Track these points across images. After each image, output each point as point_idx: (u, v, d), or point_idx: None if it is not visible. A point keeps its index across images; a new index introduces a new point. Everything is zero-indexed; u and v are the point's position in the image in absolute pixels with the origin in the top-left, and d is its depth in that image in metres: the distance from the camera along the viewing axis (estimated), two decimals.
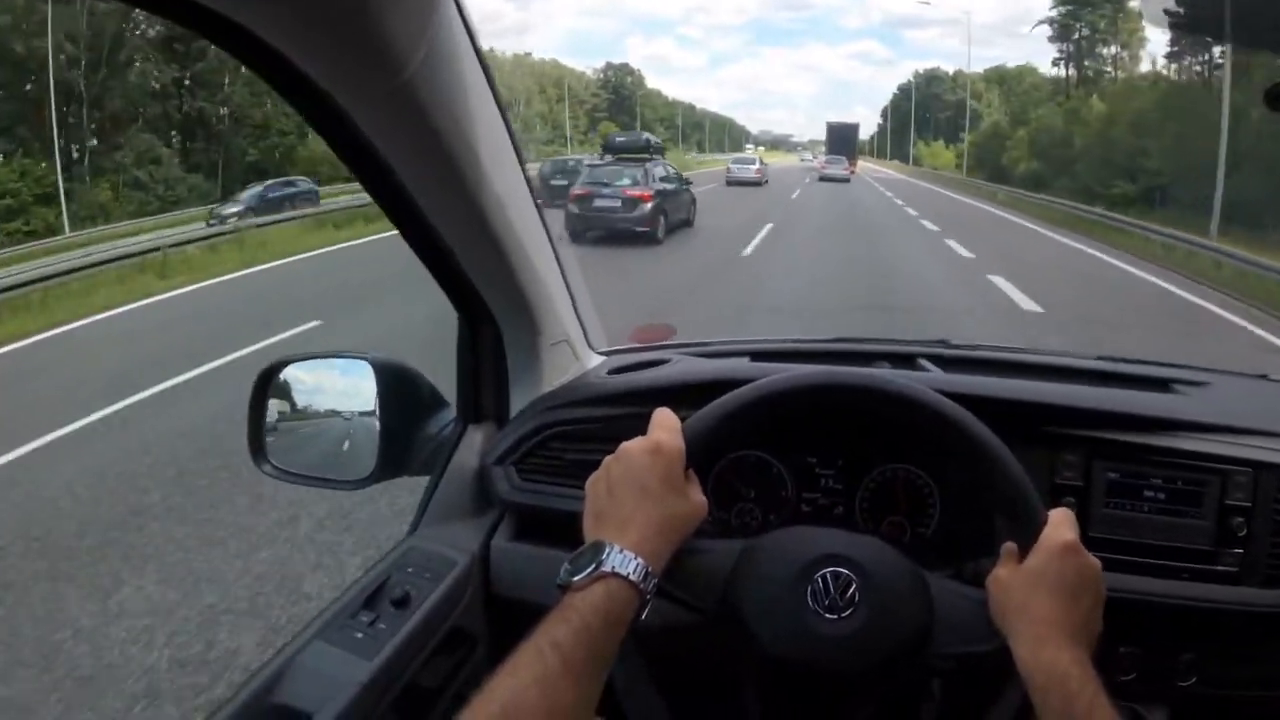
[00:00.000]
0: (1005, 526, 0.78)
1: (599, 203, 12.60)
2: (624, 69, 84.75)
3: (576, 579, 0.66)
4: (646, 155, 14.26)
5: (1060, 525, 0.74)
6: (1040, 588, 0.70)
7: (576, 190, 13.04)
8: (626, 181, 12.78)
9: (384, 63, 0.67)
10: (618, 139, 16.41)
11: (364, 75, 0.69)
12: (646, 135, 17.19)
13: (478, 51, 0.81)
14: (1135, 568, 0.91)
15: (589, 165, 14.45)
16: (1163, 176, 25.52)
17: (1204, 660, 0.91)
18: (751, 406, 0.80)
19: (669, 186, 13.65)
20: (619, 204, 12.48)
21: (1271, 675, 0.93)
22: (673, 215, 13.55)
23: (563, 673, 0.61)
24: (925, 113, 72.45)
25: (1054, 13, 44.17)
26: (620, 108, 78.32)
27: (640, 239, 12.34)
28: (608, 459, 0.75)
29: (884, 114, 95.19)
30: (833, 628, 0.72)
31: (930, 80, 79.93)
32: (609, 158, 14.41)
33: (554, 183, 16.31)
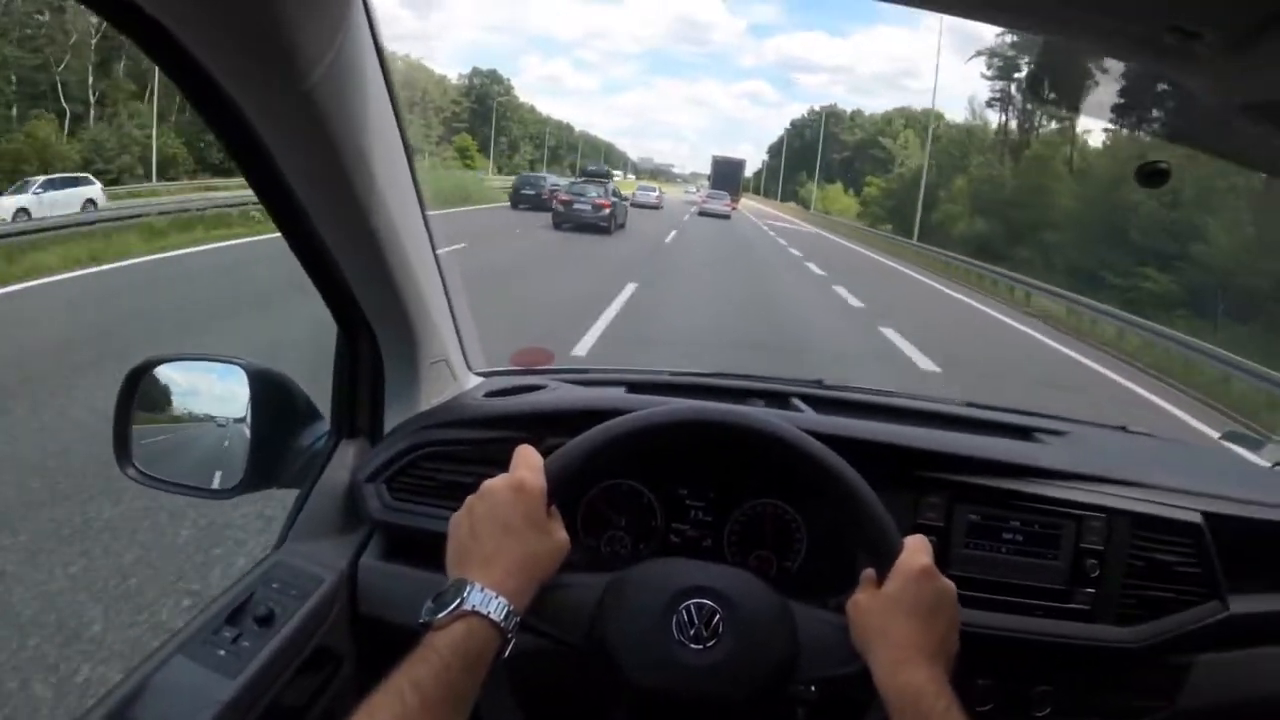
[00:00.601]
0: (866, 561, 0.81)
1: (576, 206, 20.32)
2: (492, 76, 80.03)
3: (438, 618, 0.67)
4: (605, 177, 24.33)
5: (916, 551, 0.77)
6: (898, 611, 0.73)
7: (562, 196, 21.18)
8: (594, 193, 20.67)
9: (290, 67, 0.67)
10: (589, 167, 32.59)
11: (268, 79, 0.68)
12: (605, 167, 33.92)
13: (382, 61, 0.81)
14: (993, 605, 0.96)
15: (571, 181, 25.72)
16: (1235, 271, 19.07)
17: (1058, 693, 0.97)
18: (617, 441, 0.81)
19: (615, 199, 21.53)
20: (589, 208, 20.26)
21: (1122, 707, 0.99)
22: (618, 218, 21.52)
23: (421, 713, 0.61)
24: (813, 154, 71.88)
25: (1001, 40, 38.62)
26: (483, 118, 73.74)
27: (600, 230, 19.88)
28: (470, 498, 0.76)
29: (771, 151, 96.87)
30: (698, 658, 0.73)
31: (827, 118, 79.04)
32: (582, 178, 24.95)
33: (524, 192, 26.09)
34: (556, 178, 27.41)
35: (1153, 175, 0.79)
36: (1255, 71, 0.63)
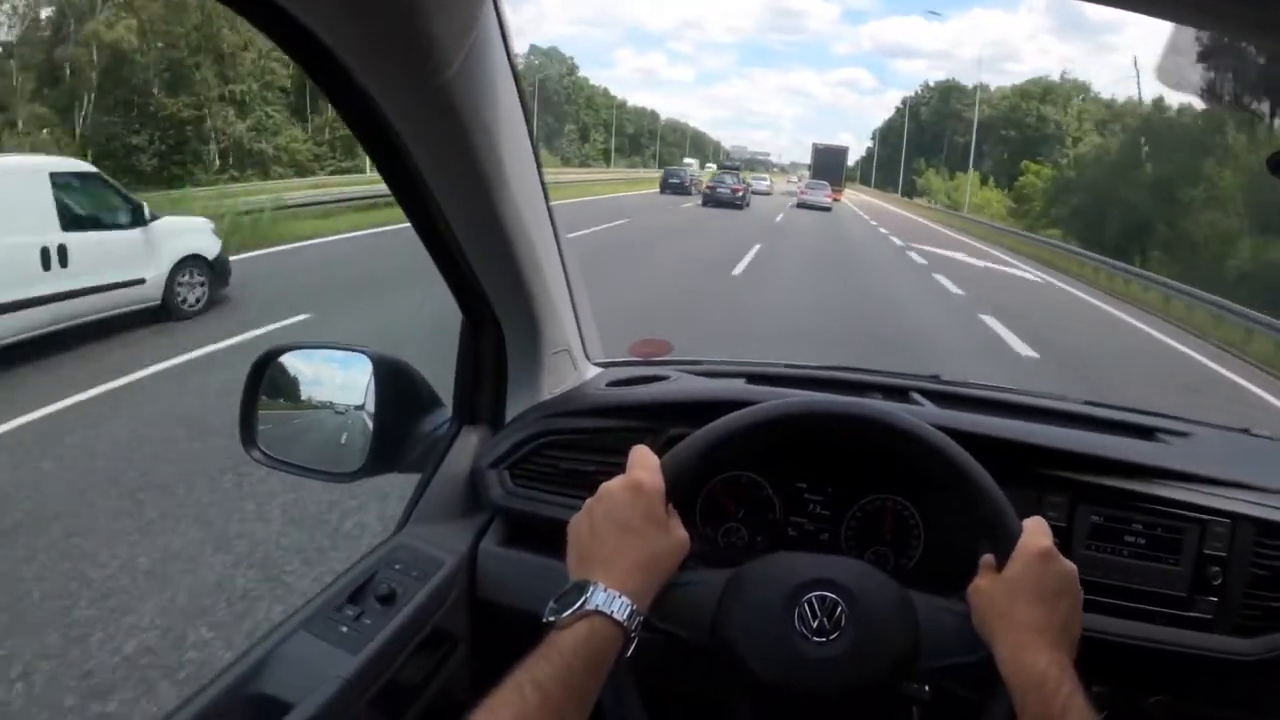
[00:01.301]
0: (986, 548, 0.80)
1: (719, 190, 29.04)
2: (553, 54, 72.34)
3: (560, 617, 0.67)
4: (737, 169, 37.52)
5: (1035, 533, 0.76)
6: (1019, 594, 0.72)
7: (708, 184, 31.13)
8: (731, 181, 30.28)
9: (425, 63, 0.68)
10: (726, 162, 54.90)
11: (403, 74, 0.70)
12: (737, 161, 56.09)
13: (510, 59, 0.83)
14: (1111, 609, 0.93)
15: (713, 173, 35.92)
16: None
17: (1173, 704, 0.93)
18: (735, 436, 0.81)
19: (745, 185, 31.79)
20: (728, 191, 28.89)
21: None
22: (746, 199, 30.26)
23: (543, 711, 0.62)
24: (935, 136, 63.86)
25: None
26: (544, 104, 65.35)
27: (735, 207, 27.95)
28: (589, 500, 0.76)
29: (878, 137, 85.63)
30: (821, 650, 0.73)
31: (945, 93, 67.99)
32: (720, 170, 36.63)
33: (671, 181, 34.97)
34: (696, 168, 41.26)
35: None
36: None
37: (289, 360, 1.13)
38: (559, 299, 1.08)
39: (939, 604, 0.79)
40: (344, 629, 0.90)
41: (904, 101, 77.23)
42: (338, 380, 1.13)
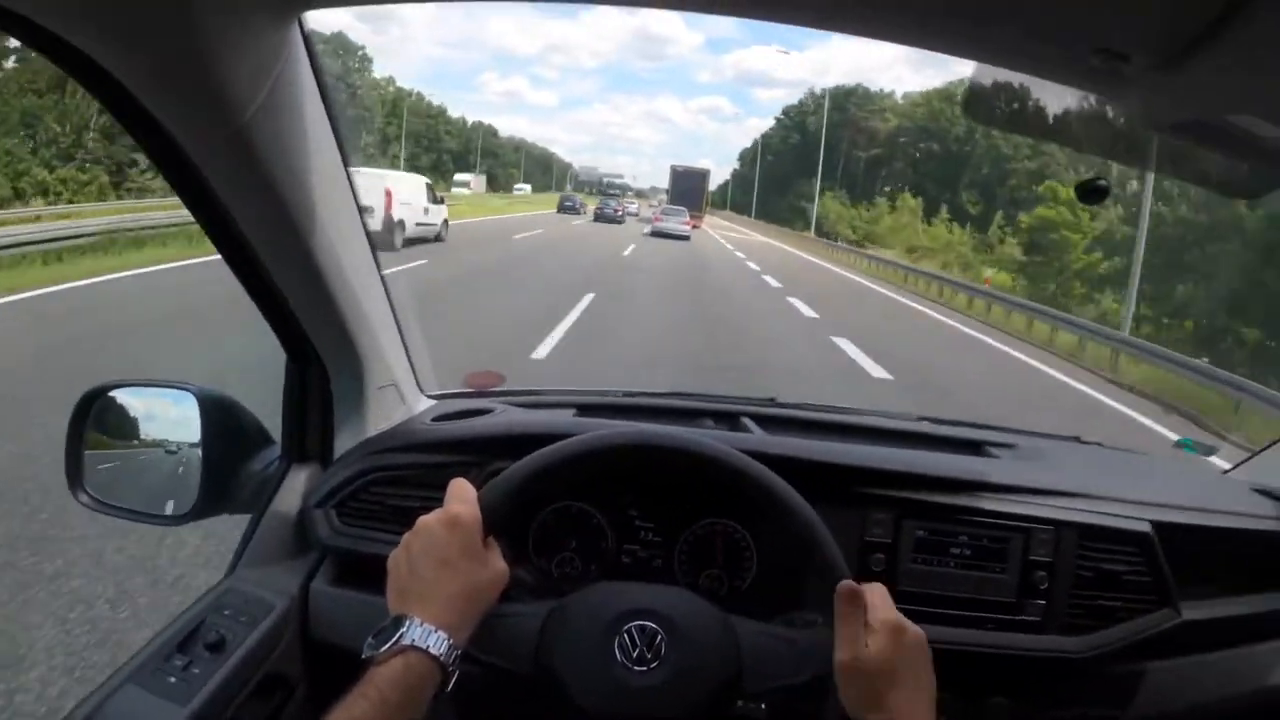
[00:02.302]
0: (813, 574, 0.82)
1: (605, 210, 39.51)
2: (339, 42, 55.00)
3: (378, 653, 0.67)
4: (617, 194, 60.17)
5: (880, 607, 0.76)
6: (887, 680, 0.73)
7: (598, 206, 41.87)
8: (614, 203, 42.42)
9: (220, 105, 0.67)
10: (610, 188, 71.90)
11: (199, 116, 0.69)
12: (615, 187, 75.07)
13: (323, 91, 0.82)
14: (943, 619, 0.96)
15: (601, 198, 51.57)
16: None
17: (1013, 705, 0.98)
18: (550, 469, 0.82)
19: (623, 207, 43.90)
20: (611, 211, 39.42)
21: (1077, 716, 1.00)
22: (623, 217, 39.97)
23: None
24: (830, 152, 52.80)
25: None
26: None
27: (617, 222, 37.67)
28: (406, 535, 0.76)
29: (745, 157, 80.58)
30: (641, 679, 0.74)
31: (840, 99, 58.80)
32: (602, 195, 56.16)
33: (565, 204, 44.77)
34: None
35: (1091, 192, 0.80)
36: (1182, 92, 0.64)
37: (116, 398, 1.08)
38: (382, 333, 1.06)
39: (762, 629, 0.80)
40: (172, 679, 0.86)
41: (784, 112, 72.22)
42: (169, 417, 1.08)
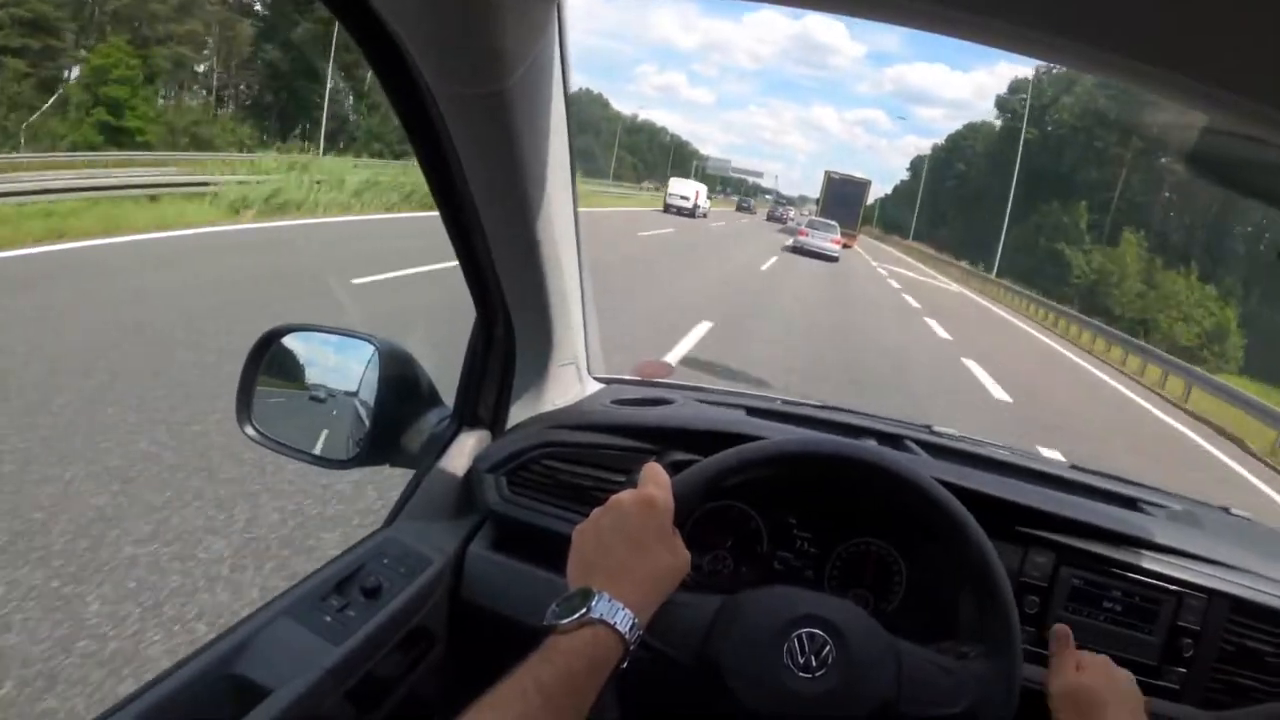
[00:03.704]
0: (969, 601, 0.81)
1: (677, 204, 36.84)
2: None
3: (564, 622, 0.67)
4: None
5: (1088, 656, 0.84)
6: (1104, 709, 0.79)
7: (670, 201, 37.36)
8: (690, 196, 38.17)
9: (489, 69, 0.70)
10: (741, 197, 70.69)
11: (466, 77, 0.72)
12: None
13: (566, 76, 0.84)
14: None
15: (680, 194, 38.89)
16: None
17: None
18: (750, 466, 0.83)
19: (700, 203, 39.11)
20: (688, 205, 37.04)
21: None
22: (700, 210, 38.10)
23: (544, 713, 0.61)
24: (1075, 164, 40.99)
25: None
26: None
27: (690, 216, 35.85)
28: (596, 511, 0.77)
29: (925, 163, 65.23)
30: (806, 686, 0.74)
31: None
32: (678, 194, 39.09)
33: (670, 204, 37.39)
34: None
35: None
36: None
37: (294, 341, 1.13)
38: (574, 313, 1.09)
39: (924, 653, 0.80)
40: (327, 619, 0.89)
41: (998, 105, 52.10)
42: (340, 365, 1.12)
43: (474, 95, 0.74)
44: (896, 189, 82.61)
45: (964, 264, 35.94)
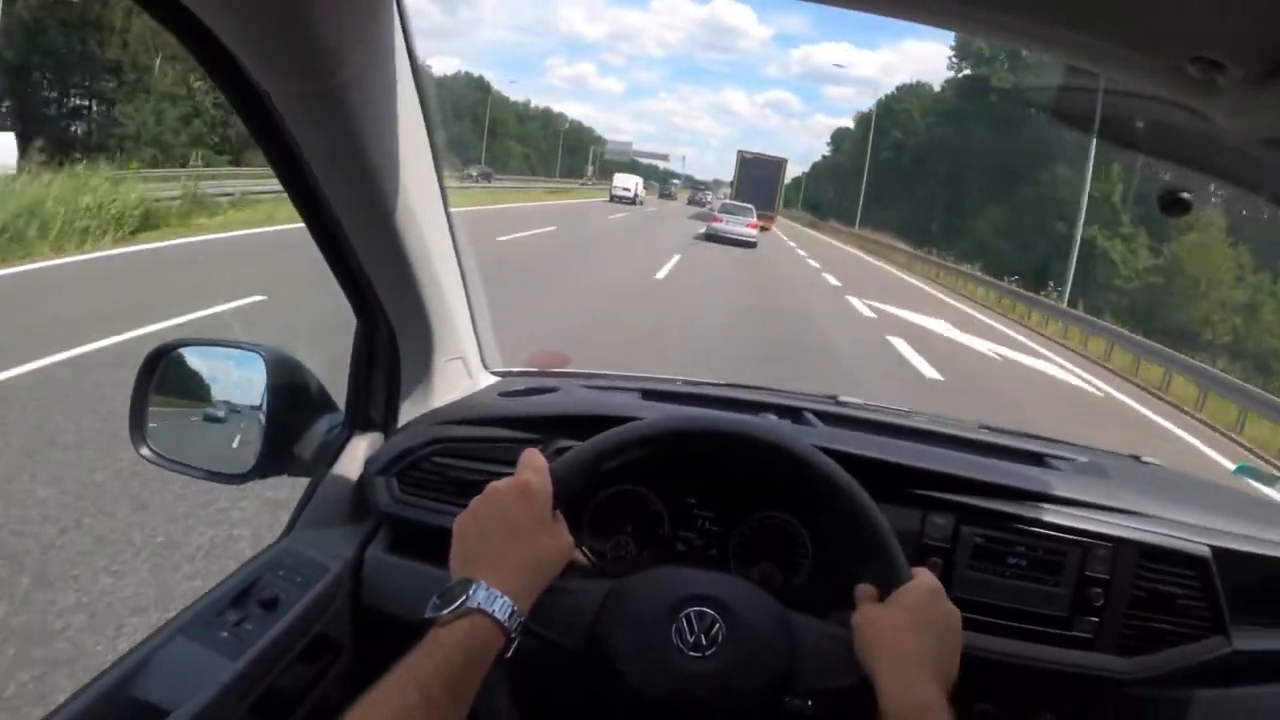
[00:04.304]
0: (868, 576, 0.82)
1: (618, 194, 42.41)
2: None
3: (442, 614, 0.67)
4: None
5: (926, 574, 0.79)
6: (911, 627, 0.74)
7: (614, 191, 43.62)
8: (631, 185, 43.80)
9: (317, 64, 0.68)
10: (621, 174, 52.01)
11: (295, 74, 0.70)
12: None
13: (413, 61, 0.83)
14: (994, 629, 0.96)
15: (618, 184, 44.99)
16: None
17: None
18: (626, 447, 0.83)
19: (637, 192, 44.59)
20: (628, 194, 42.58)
21: None
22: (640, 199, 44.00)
23: (423, 708, 0.62)
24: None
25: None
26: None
27: (631, 204, 40.75)
28: (475, 500, 0.76)
29: (845, 140, 62.41)
30: (696, 666, 0.74)
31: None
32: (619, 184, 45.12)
33: (614, 194, 42.94)
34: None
35: (1174, 204, 0.79)
36: (1276, 105, 0.62)
37: (182, 356, 1.11)
38: (455, 306, 1.07)
39: (818, 625, 0.80)
40: (224, 634, 0.88)
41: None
42: (231, 378, 1.10)
43: (310, 92, 0.72)
44: (816, 166, 76.99)
45: (906, 247, 31.16)
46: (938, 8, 0.65)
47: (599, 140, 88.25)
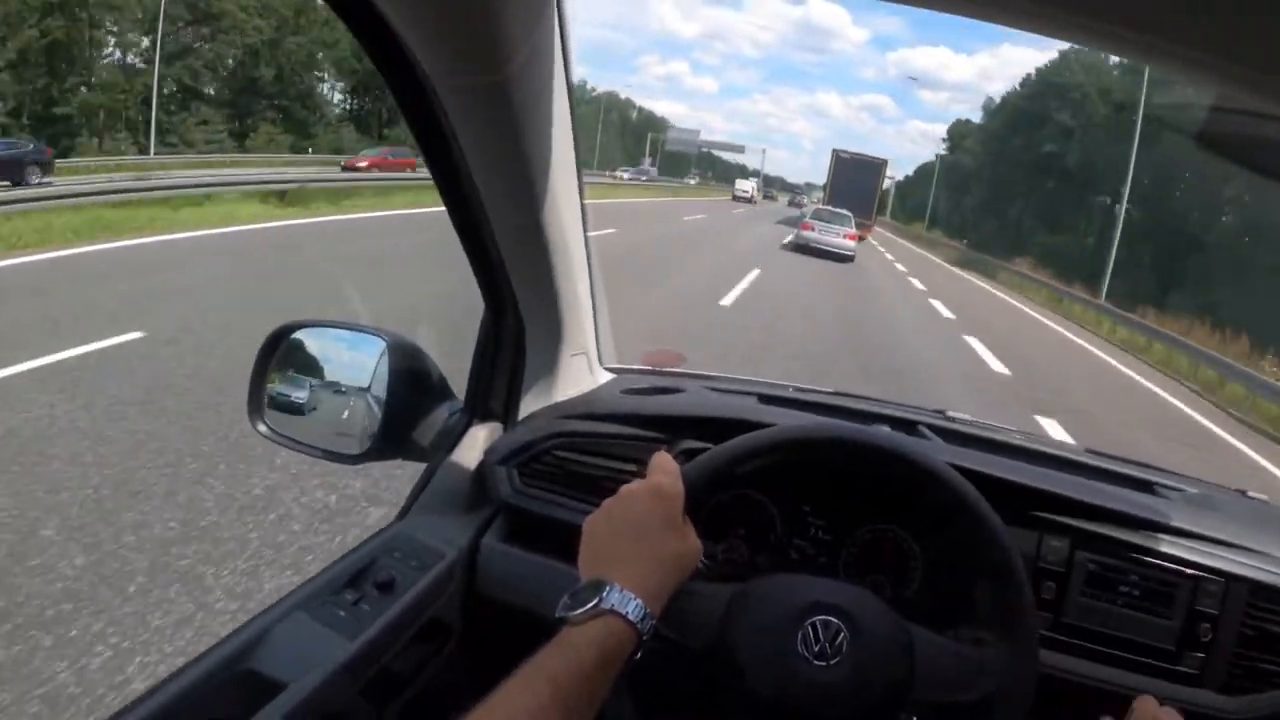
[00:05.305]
0: (986, 591, 0.81)
1: (738, 194, 52.20)
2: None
3: (575, 614, 0.67)
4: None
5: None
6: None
7: (736, 192, 53.18)
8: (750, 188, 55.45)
9: (486, 57, 0.69)
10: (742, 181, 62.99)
11: (464, 66, 0.71)
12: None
13: (567, 63, 0.84)
14: (1102, 657, 0.94)
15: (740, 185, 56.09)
16: None
17: None
18: (761, 453, 0.82)
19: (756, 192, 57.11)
20: (746, 195, 52.61)
21: None
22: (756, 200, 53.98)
23: (554, 707, 0.61)
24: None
25: None
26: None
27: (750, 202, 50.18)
28: (607, 501, 0.76)
29: (956, 135, 50.52)
30: (819, 674, 0.73)
31: None
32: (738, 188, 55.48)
33: (737, 195, 52.12)
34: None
35: None
36: None
37: (303, 337, 1.13)
38: (583, 302, 1.08)
39: (937, 640, 0.79)
40: (341, 613, 0.90)
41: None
42: (349, 361, 1.12)
43: (474, 84, 0.73)
44: (921, 169, 64.89)
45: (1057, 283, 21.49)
46: (1038, 14, 0.55)
47: (661, 126, 78.65)
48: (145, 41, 29.00)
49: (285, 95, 34.33)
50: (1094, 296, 19.67)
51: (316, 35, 33.76)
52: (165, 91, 29.00)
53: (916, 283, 17.76)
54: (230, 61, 32.43)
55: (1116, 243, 22.87)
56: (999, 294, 20.22)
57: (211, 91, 32.59)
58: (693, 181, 64.98)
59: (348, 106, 40.82)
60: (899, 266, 22.05)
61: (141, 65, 28.89)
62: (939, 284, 18.22)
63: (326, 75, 37.58)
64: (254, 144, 30.57)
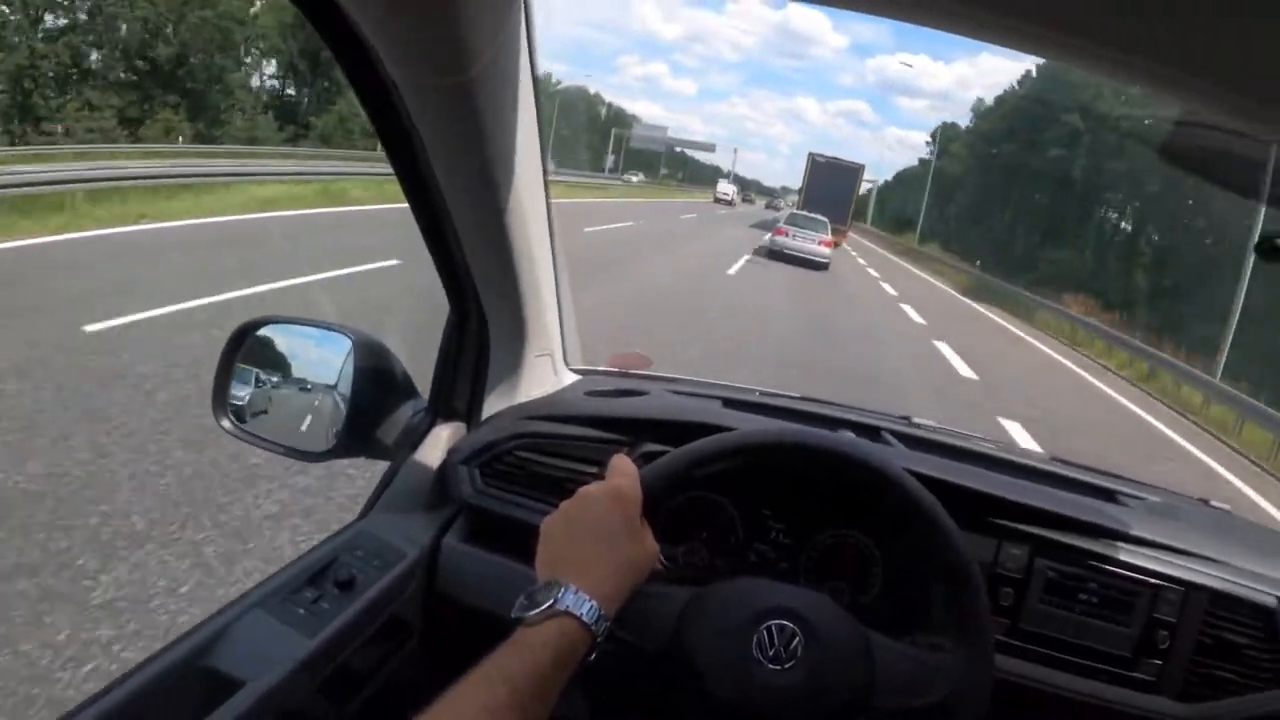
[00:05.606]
0: (941, 595, 0.82)
1: (718, 196, 57.46)
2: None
3: (530, 615, 0.67)
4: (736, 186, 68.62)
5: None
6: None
7: (717, 195, 58.51)
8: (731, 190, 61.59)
9: (451, 59, 0.69)
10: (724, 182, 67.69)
11: (428, 68, 0.71)
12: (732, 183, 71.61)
13: (533, 64, 0.84)
14: (1059, 664, 0.95)
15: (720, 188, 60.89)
16: None
17: None
18: (720, 457, 0.83)
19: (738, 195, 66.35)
20: (727, 196, 58.37)
21: None
22: (736, 203, 59.77)
23: (510, 705, 0.61)
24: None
25: None
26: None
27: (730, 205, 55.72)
28: (565, 503, 0.77)
29: (943, 138, 47.58)
30: (775, 678, 0.74)
31: None
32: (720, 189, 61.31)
33: (719, 198, 56.55)
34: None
35: (1273, 251, 0.74)
36: None
37: (268, 333, 1.12)
38: (548, 303, 1.08)
39: (894, 645, 0.80)
40: (301, 611, 0.89)
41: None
42: (315, 358, 1.12)
43: (438, 85, 0.73)
44: (901, 175, 62.45)
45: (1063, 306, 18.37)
46: (1014, 29, 0.55)
47: (626, 123, 70.57)
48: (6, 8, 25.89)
49: (192, 78, 30.68)
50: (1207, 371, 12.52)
51: (227, 9, 30.54)
52: (43, 72, 26.20)
53: (945, 350, 10.74)
54: (121, 37, 28.77)
55: None
56: (1056, 356, 13.66)
57: (105, 74, 28.79)
58: (634, 180, 58.22)
59: (278, 91, 37.28)
60: (915, 317, 13.95)
61: (16, 40, 26.24)
62: (973, 351, 11.06)
63: (247, 56, 34.21)
64: (149, 133, 27.36)
